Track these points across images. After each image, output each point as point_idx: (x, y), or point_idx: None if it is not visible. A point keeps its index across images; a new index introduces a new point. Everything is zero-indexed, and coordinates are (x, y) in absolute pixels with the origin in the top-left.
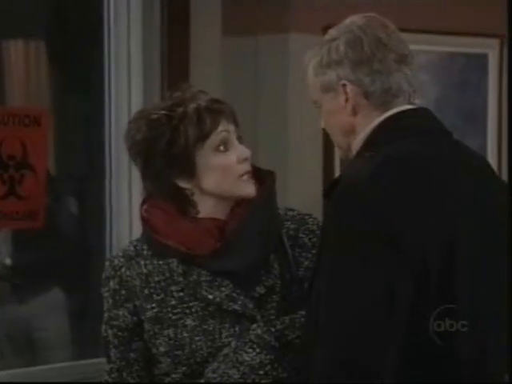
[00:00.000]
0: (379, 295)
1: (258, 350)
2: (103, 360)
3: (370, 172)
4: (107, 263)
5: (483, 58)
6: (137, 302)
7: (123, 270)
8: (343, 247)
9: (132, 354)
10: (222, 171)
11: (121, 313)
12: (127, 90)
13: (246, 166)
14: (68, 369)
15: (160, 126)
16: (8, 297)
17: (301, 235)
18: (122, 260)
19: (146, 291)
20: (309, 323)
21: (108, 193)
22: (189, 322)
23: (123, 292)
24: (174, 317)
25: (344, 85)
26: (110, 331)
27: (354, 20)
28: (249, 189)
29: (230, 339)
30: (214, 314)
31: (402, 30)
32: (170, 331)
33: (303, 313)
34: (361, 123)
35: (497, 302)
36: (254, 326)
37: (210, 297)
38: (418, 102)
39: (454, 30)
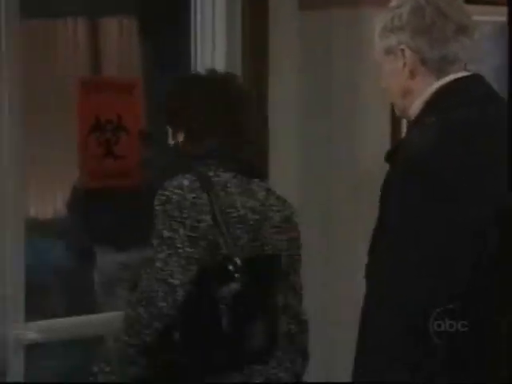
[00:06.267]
0: (444, 266)
1: None
2: None
3: (433, 140)
4: None
5: None
6: None
7: None
8: (406, 217)
9: None
10: None
11: None
12: (211, 63)
13: None
14: None
15: None
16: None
17: None
18: None
19: None
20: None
21: None
22: None
23: None
24: None
25: (403, 50)
26: None
27: None
28: None
29: None
30: None
31: (468, 1)
32: None
33: None
34: (418, 87)
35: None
36: None
37: None
38: (473, 69)
39: None
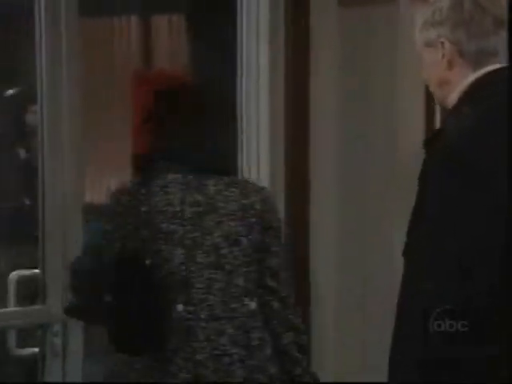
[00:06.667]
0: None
1: None
2: None
3: (470, 129)
4: None
5: None
6: None
7: None
8: (444, 206)
9: None
10: None
11: None
12: (256, 60)
13: None
14: None
15: None
16: None
17: None
18: None
19: None
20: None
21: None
22: None
23: None
24: None
25: (442, 42)
26: None
27: None
28: None
29: None
30: None
31: None
32: None
33: None
34: (455, 78)
35: None
36: None
37: None
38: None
39: None
